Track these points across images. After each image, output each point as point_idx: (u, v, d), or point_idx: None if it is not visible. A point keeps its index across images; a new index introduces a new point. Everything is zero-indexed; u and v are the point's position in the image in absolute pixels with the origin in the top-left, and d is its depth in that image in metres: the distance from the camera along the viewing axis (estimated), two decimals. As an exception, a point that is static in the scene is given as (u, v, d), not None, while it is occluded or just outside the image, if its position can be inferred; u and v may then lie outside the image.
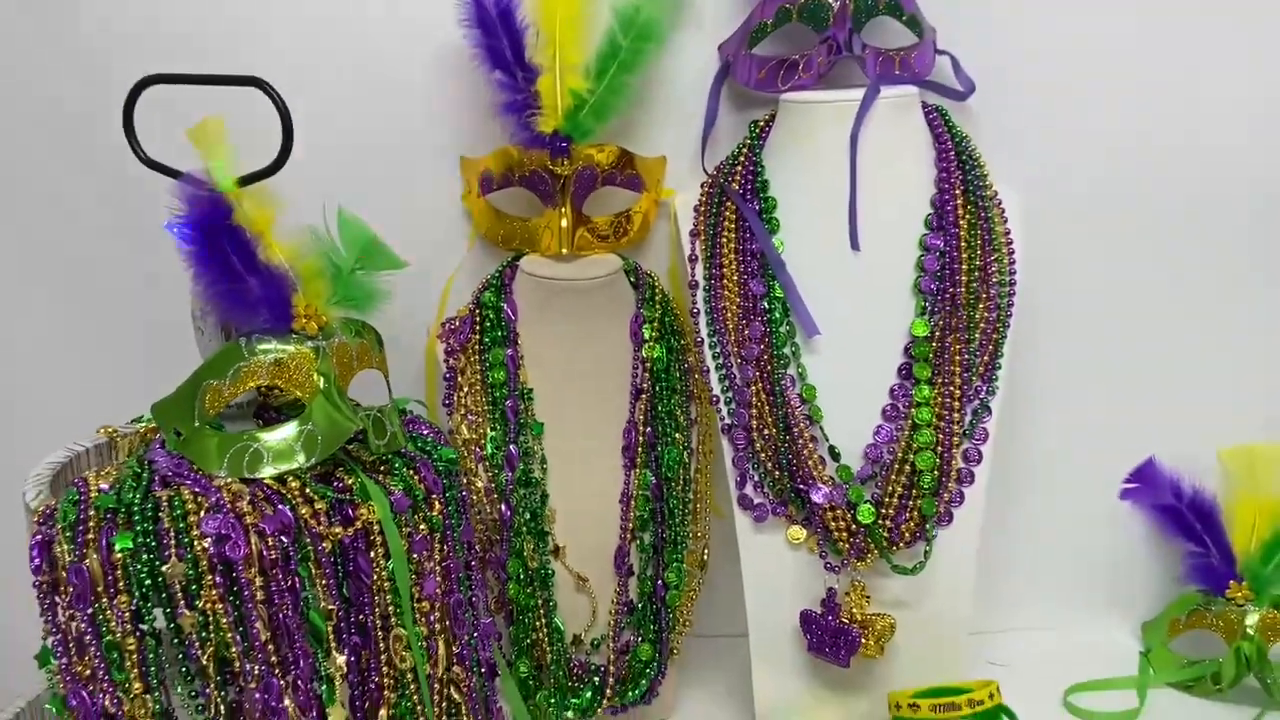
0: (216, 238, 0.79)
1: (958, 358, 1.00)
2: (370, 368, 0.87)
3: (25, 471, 0.86)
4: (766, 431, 1.01)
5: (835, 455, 1.00)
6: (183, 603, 0.73)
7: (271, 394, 0.88)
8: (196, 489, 0.76)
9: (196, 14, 1.10)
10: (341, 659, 0.77)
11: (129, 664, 0.73)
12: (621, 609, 1.06)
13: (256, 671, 0.74)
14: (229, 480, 0.77)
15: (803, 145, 1.03)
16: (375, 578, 0.78)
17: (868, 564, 0.99)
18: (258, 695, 0.74)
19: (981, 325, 1.01)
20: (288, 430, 0.79)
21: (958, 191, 1.02)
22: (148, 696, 0.74)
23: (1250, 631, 1.11)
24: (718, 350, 1.04)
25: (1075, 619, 1.26)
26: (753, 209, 1.04)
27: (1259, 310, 1.20)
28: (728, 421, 1.03)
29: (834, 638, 1.00)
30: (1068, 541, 1.25)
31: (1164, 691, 1.16)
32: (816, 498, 0.99)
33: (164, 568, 0.72)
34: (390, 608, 0.79)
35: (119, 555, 0.72)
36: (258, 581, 0.73)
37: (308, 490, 0.77)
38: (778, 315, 1.02)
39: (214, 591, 0.72)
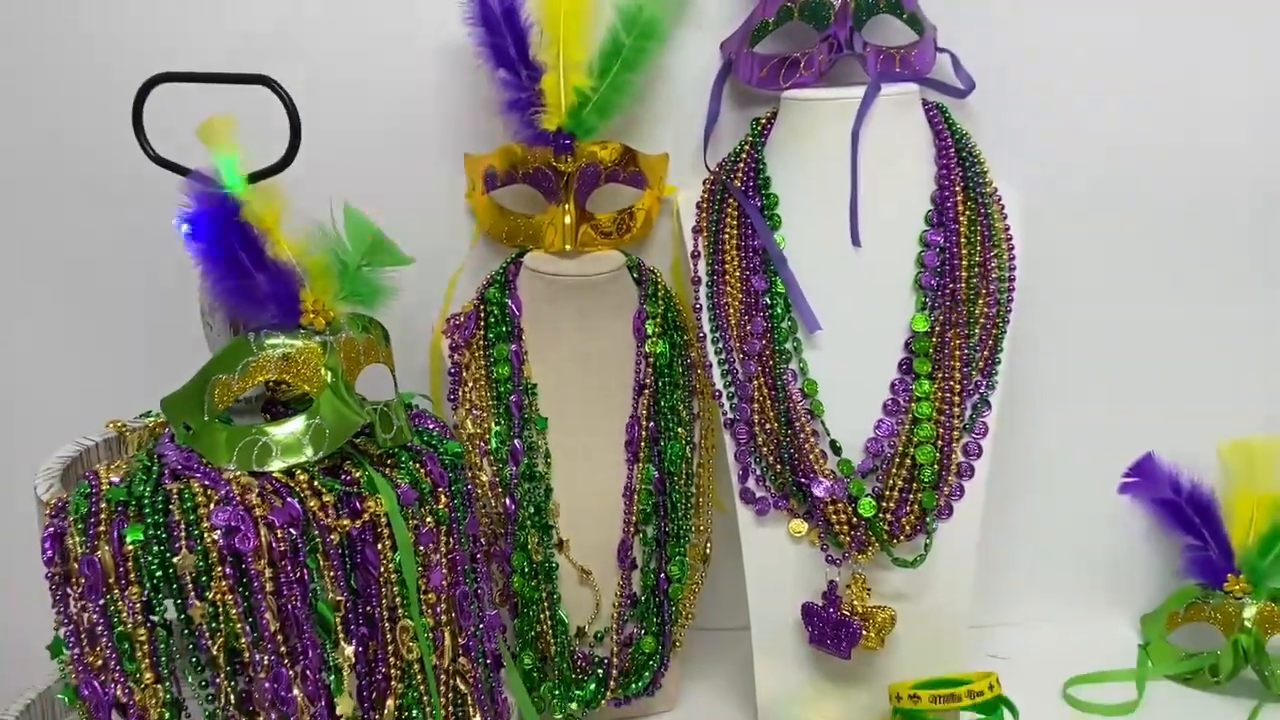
0: (225, 234, 0.80)
1: (958, 353, 1.00)
2: (377, 362, 0.88)
3: (29, 469, 0.87)
4: (768, 426, 1.02)
5: (836, 449, 1.01)
6: (193, 594, 0.73)
7: (279, 389, 0.89)
8: (206, 482, 0.76)
9: (201, 13, 1.10)
10: (349, 649, 0.78)
11: (140, 654, 0.74)
12: (625, 602, 1.07)
13: (266, 661, 0.74)
14: (238, 473, 0.78)
15: (804, 142, 1.04)
16: (383, 569, 0.79)
17: (868, 557, 1.00)
18: (267, 685, 0.75)
19: (981, 321, 1.02)
20: (296, 424, 0.80)
21: (958, 188, 1.03)
22: (159, 686, 0.75)
23: (1248, 624, 1.12)
24: (720, 345, 1.05)
25: (1074, 612, 1.27)
26: (754, 205, 1.04)
27: (1258, 306, 1.21)
28: (730, 416, 1.04)
29: (835, 630, 1.01)
30: (1067, 535, 1.26)
31: (1162, 684, 1.17)
32: (818, 491, 1.00)
33: (174, 559, 0.73)
34: (397, 599, 0.80)
35: (130, 547, 0.73)
36: (267, 573, 0.74)
37: (316, 483, 0.78)
38: (779, 311, 1.03)
39: (224, 583, 0.73)
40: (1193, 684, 1.16)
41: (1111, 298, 1.20)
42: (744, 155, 1.07)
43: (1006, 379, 1.03)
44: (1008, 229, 1.05)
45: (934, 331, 1.01)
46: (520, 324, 1.08)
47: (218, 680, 0.75)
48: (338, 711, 0.77)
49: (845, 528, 1.00)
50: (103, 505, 0.75)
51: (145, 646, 0.74)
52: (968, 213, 1.03)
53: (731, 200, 1.06)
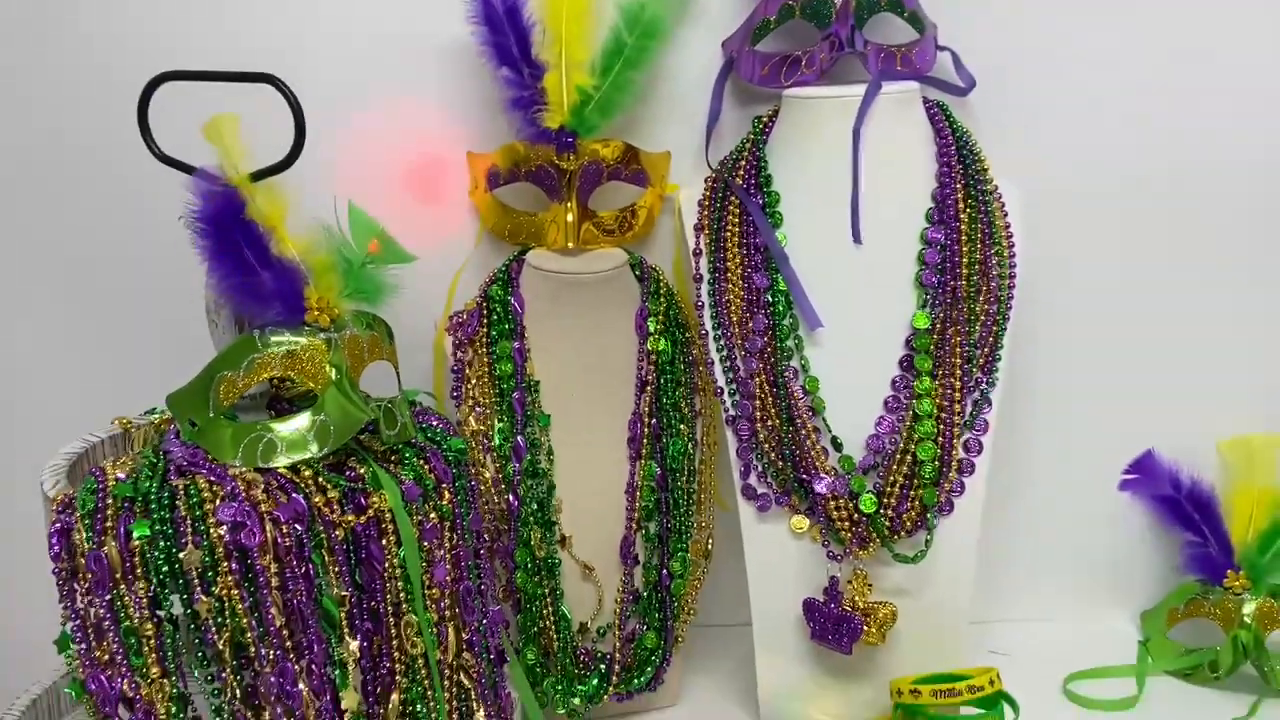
0: (230, 232, 0.81)
1: (958, 350, 1.01)
2: (381, 359, 0.88)
3: (34, 466, 0.87)
4: (770, 423, 1.02)
5: (838, 446, 1.01)
6: (199, 589, 0.74)
7: (284, 385, 0.89)
8: (212, 478, 0.77)
9: (204, 13, 1.11)
10: (354, 644, 0.78)
11: (147, 649, 0.74)
12: (627, 598, 1.07)
13: (271, 656, 0.75)
14: (243, 469, 0.78)
15: (806, 140, 1.04)
16: (387, 565, 0.79)
17: (870, 553, 1.01)
18: (273, 679, 0.75)
19: (982, 318, 1.02)
20: (301, 420, 0.80)
21: (958, 185, 1.03)
22: (165, 681, 0.75)
23: (1247, 620, 1.13)
24: (722, 343, 1.05)
25: (1075, 608, 1.27)
26: (756, 203, 1.05)
27: (1258, 303, 1.22)
28: (732, 413, 1.04)
29: (836, 625, 1.01)
30: (1067, 531, 1.26)
31: (1162, 679, 1.17)
32: (819, 488, 1.00)
33: (181, 555, 0.73)
34: (402, 594, 0.80)
35: (137, 542, 0.74)
36: (272, 568, 0.74)
37: (320, 479, 0.79)
38: (781, 308, 1.03)
39: (229, 578, 0.74)
40: (1192, 679, 1.17)
41: (1111, 295, 1.20)
42: (745, 153, 1.07)
43: (1007, 376, 1.03)
44: (1008, 226, 1.06)
45: (935, 328, 1.01)
46: (523, 321, 1.08)
47: (223, 674, 0.75)
48: (342, 706, 0.77)
49: (846, 524, 1.00)
50: (109, 501, 0.75)
51: (152, 641, 0.74)
52: (968, 210, 1.03)
53: (733, 198, 1.06)
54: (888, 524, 1.00)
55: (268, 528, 0.74)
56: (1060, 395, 1.22)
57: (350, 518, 0.78)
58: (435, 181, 1.15)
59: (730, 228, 1.06)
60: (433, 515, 0.82)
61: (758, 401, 1.03)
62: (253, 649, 0.75)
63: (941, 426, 1.00)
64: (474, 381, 1.08)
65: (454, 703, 0.84)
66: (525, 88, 1.05)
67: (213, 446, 0.80)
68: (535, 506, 1.05)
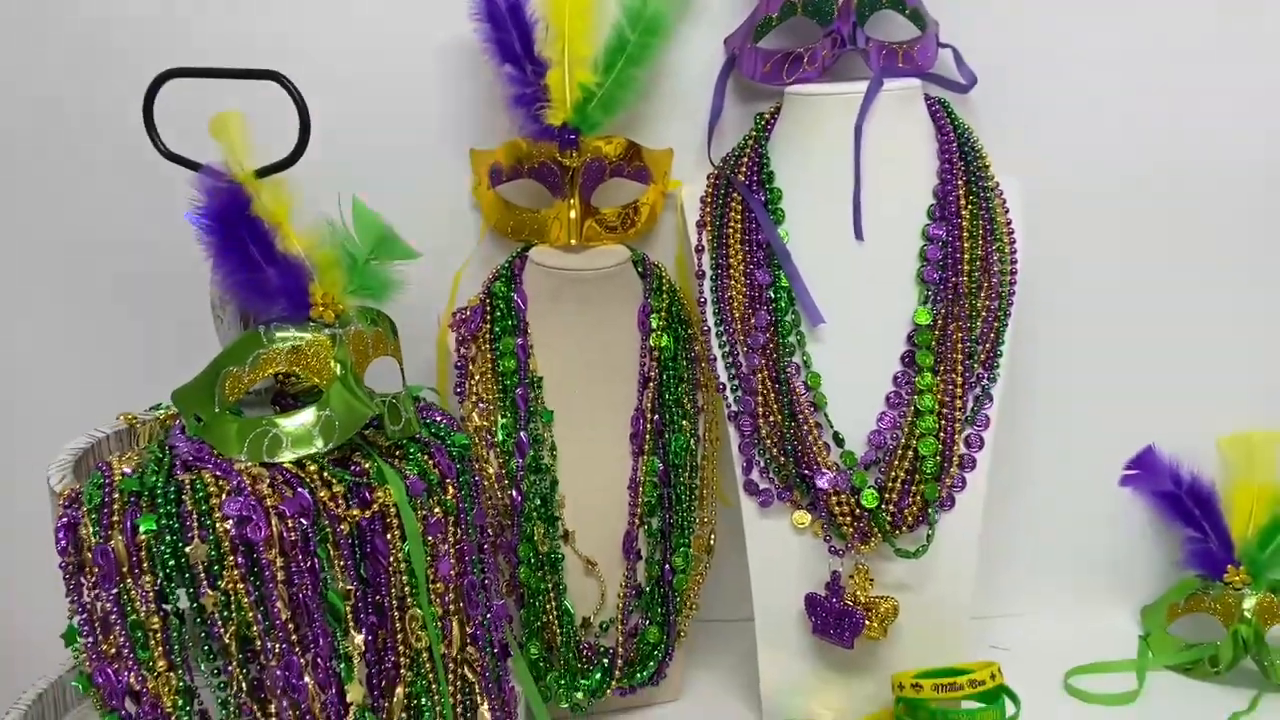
0: (235, 228, 0.81)
1: (960, 345, 1.01)
2: (385, 355, 0.89)
3: (40, 462, 0.88)
4: (772, 418, 1.03)
5: (839, 441, 1.02)
6: (205, 583, 0.74)
7: (288, 381, 0.90)
8: (218, 472, 0.77)
9: (208, 10, 1.11)
10: (359, 638, 0.79)
11: (153, 642, 0.75)
12: (630, 593, 1.08)
13: (277, 649, 0.75)
14: (249, 464, 0.79)
15: (808, 137, 1.05)
16: (392, 559, 0.80)
17: (871, 548, 1.01)
18: (278, 673, 0.75)
19: (983, 314, 1.03)
20: (306, 416, 0.81)
21: (960, 182, 1.04)
22: (171, 674, 0.76)
23: (1247, 615, 1.13)
24: (724, 339, 1.06)
25: (1075, 603, 1.28)
26: (758, 200, 1.05)
27: (1258, 300, 1.22)
28: (734, 409, 1.05)
29: (838, 620, 1.01)
30: (1068, 527, 1.27)
31: (1163, 674, 1.18)
32: (821, 483, 1.01)
33: (187, 549, 0.74)
34: (406, 588, 0.81)
35: (143, 537, 0.74)
36: (278, 562, 0.75)
37: (326, 474, 0.79)
38: (783, 304, 1.03)
39: (235, 572, 0.74)
40: (1193, 674, 1.17)
41: (1112, 291, 1.21)
42: (748, 150, 1.08)
43: (1008, 372, 1.04)
44: (1009, 223, 1.06)
45: (936, 324, 1.02)
46: (526, 318, 1.08)
47: (230, 668, 0.76)
48: (348, 699, 0.78)
49: (848, 519, 1.01)
50: (116, 496, 0.76)
51: (158, 635, 0.75)
52: (970, 207, 1.03)
53: (735, 195, 1.07)
54: (889, 519, 1.00)
55: (273, 522, 0.75)
56: (1061, 391, 1.23)
57: (355, 512, 0.79)
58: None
59: (732, 224, 1.06)
60: (437, 510, 0.83)
61: (760, 397, 1.03)
62: (258, 642, 0.75)
63: (943, 422, 1.00)
64: (477, 377, 1.08)
65: (458, 696, 0.85)
66: (528, 85, 1.05)
67: (218, 441, 0.80)
68: (538, 502, 1.05)
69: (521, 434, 1.06)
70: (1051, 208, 1.14)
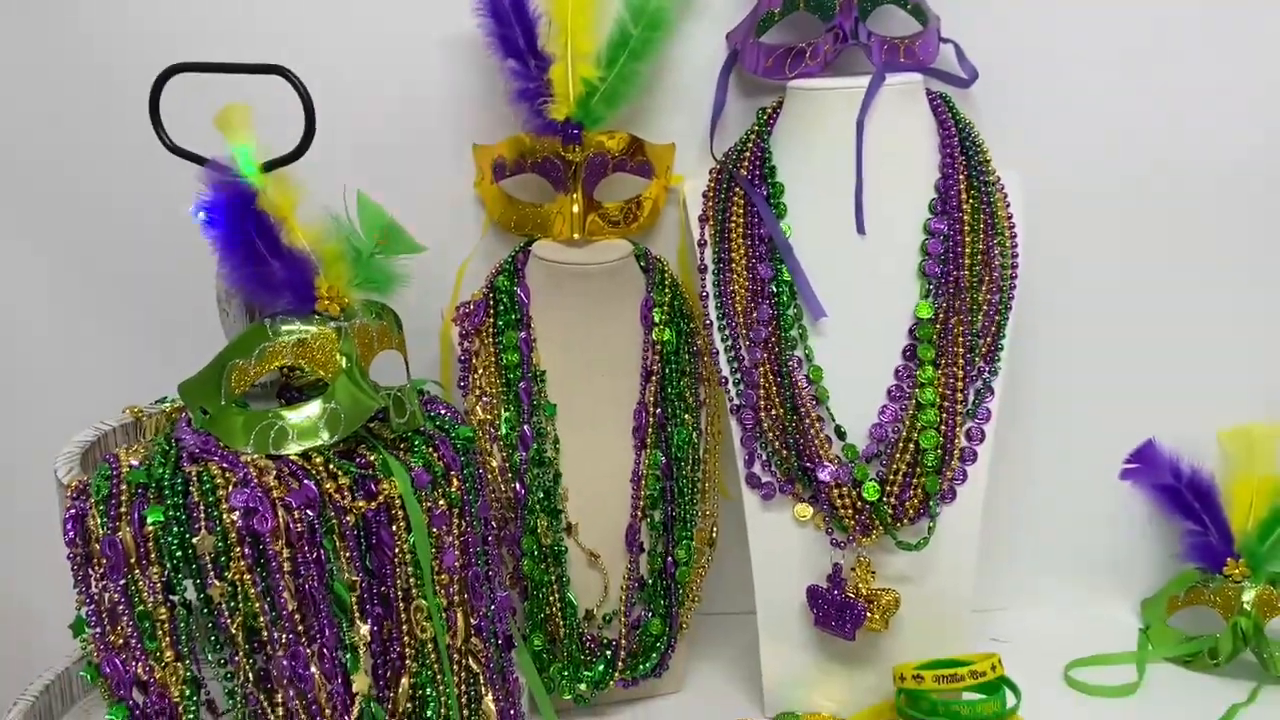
0: (241, 222, 0.81)
1: (961, 339, 1.02)
2: (390, 348, 0.89)
3: (46, 455, 0.88)
4: (774, 412, 1.03)
5: (841, 434, 1.02)
6: (212, 574, 0.75)
7: (293, 374, 0.90)
8: (224, 464, 0.78)
9: (212, 6, 1.11)
10: (365, 629, 0.79)
11: (160, 633, 0.76)
12: (633, 585, 1.08)
13: (284, 640, 0.76)
14: (255, 456, 0.79)
15: (810, 132, 1.05)
16: (397, 550, 0.80)
17: (873, 540, 1.02)
18: (285, 663, 0.76)
19: (984, 307, 1.03)
20: (312, 408, 0.81)
21: (961, 176, 1.04)
22: (179, 664, 0.76)
23: (1247, 607, 1.14)
24: (726, 333, 1.06)
25: (1076, 596, 1.28)
26: (760, 194, 1.06)
27: (1258, 294, 1.22)
28: (736, 402, 1.05)
29: (840, 612, 1.02)
30: (1068, 520, 1.27)
31: (1162, 666, 1.18)
32: (823, 476, 1.01)
33: (194, 540, 0.75)
34: (411, 580, 0.81)
35: (150, 528, 0.75)
36: (285, 553, 0.75)
37: (331, 466, 0.79)
38: (785, 298, 1.04)
39: (242, 563, 0.75)
40: (1192, 666, 1.18)
41: (1113, 285, 1.21)
42: (750, 144, 1.08)
43: (1009, 365, 1.04)
44: (1010, 217, 1.06)
45: (937, 318, 1.02)
46: (529, 312, 1.09)
47: (236, 658, 0.76)
48: (353, 689, 0.78)
49: (850, 511, 1.01)
50: (123, 487, 0.76)
51: (165, 625, 0.76)
52: (971, 201, 1.04)
53: (738, 189, 1.07)
54: (890, 512, 1.01)
55: (280, 513, 0.75)
56: (1062, 384, 1.23)
57: (361, 504, 0.79)
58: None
59: (735, 219, 1.07)
60: (442, 502, 0.83)
61: (762, 391, 1.04)
62: (265, 633, 0.76)
63: (944, 415, 1.01)
64: (480, 371, 1.08)
65: (463, 687, 0.86)
66: (531, 79, 1.06)
67: (225, 434, 0.81)
68: (541, 495, 1.06)
69: (525, 427, 1.07)
70: (1052, 202, 1.14)
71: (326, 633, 0.77)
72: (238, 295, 0.86)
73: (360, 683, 0.79)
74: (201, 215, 0.82)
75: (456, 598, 0.84)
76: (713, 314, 1.07)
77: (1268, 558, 1.17)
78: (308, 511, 0.76)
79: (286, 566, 0.76)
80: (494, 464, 1.06)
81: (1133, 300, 1.22)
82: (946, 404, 1.01)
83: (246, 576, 0.75)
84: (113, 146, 1.13)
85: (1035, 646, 1.19)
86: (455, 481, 0.85)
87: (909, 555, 1.02)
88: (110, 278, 1.19)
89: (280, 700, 0.77)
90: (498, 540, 1.06)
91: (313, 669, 0.77)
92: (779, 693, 1.09)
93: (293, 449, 0.80)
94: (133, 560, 0.75)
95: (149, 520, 0.75)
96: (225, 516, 0.75)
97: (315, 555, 0.77)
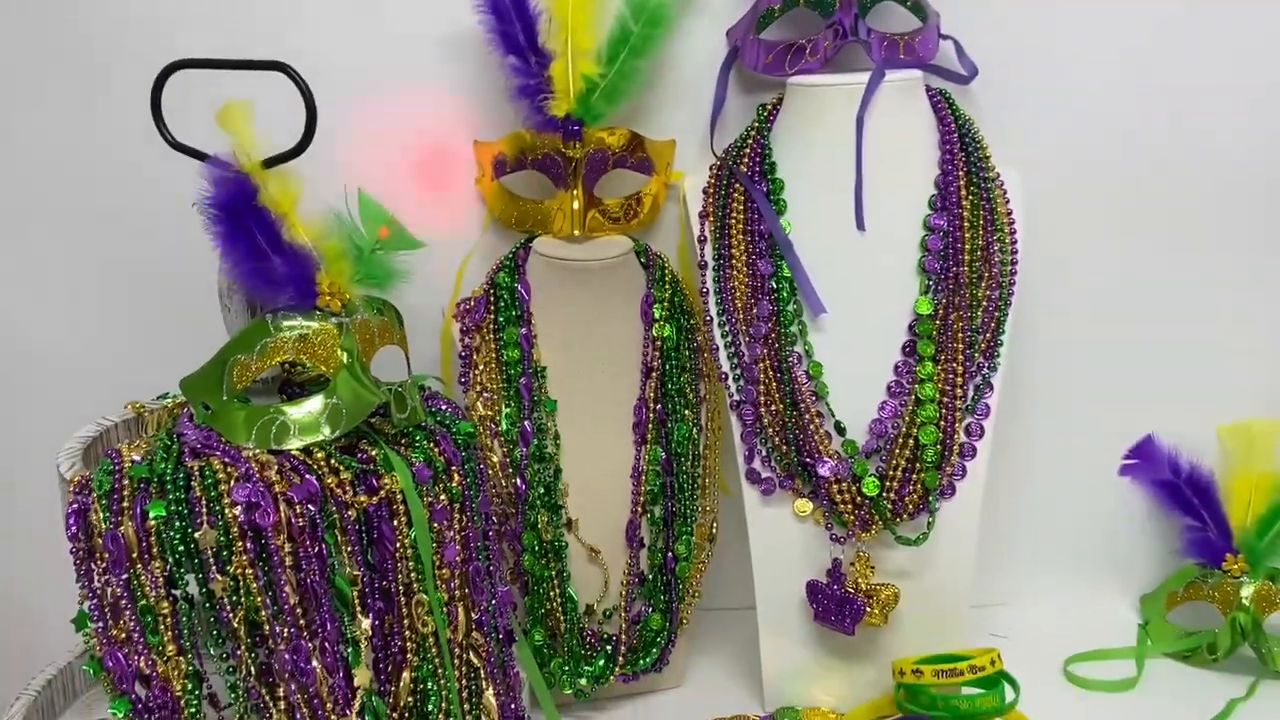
0: (243, 218, 0.82)
1: (960, 335, 1.02)
2: (391, 344, 0.90)
3: (48, 451, 0.89)
4: (774, 407, 1.04)
5: (841, 430, 1.03)
6: (214, 568, 0.75)
7: (294, 370, 0.91)
8: (226, 459, 0.78)
9: (215, 2, 1.12)
10: (366, 623, 0.80)
11: (163, 627, 0.76)
12: (633, 580, 1.09)
13: (285, 634, 0.76)
14: (257, 451, 0.80)
15: (809, 128, 1.05)
16: (398, 545, 0.81)
17: (872, 535, 1.02)
18: (286, 656, 0.76)
19: (984, 303, 1.03)
20: (313, 404, 0.81)
21: (961, 173, 1.04)
22: (181, 658, 0.76)
23: (1245, 603, 1.14)
24: (726, 329, 1.06)
25: (1075, 591, 1.29)
26: (760, 190, 1.06)
27: (1258, 290, 1.22)
28: (736, 398, 1.06)
29: (839, 606, 1.02)
30: (1068, 516, 1.27)
31: (1161, 661, 1.18)
32: (822, 471, 1.01)
33: (196, 535, 0.75)
34: (413, 574, 0.82)
35: (153, 523, 0.75)
36: (286, 548, 0.76)
37: (333, 461, 0.80)
38: (785, 294, 1.04)
39: (244, 557, 0.75)
40: (1191, 661, 1.18)
41: (1112, 281, 1.21)
42: (750, 141, 1.08)
43: (1008, 361, 1.04)
44: (1010, 213, 1.07)
45: (937, 314, 1.02)
46: (529, 308, 1.09)
47: (238, 652, 0.77)
48: (355, 683, 0.79)
49: (849, 507, 1.02)
50: (125, 482, 0.77)
51: (168, 619, 0.76)
52: (970, 197, 1.04)
53: (738, 185, 1.07)
54: (890, 507, 1.01)
55: (282, 508, 0.76)
56: (1061, 380, 1.23)
57: (362, 498, 0.80)
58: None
59: (735, 215, 1.07)
60: (443, 497, 0.84)
61: (762, 387, 1.04)
62: (267, 627, 0.76)
63: (943, 411, 1.01)
64: (481, 367, 1.09)
65: (464, 681, 0.86)
66: (532, 76, 1.06)
67: (226, 429, 0.81)
68: (542, 490, 1.06)
69: (525, 423, 1.07)
70: (1052, 198, 1.14)
71: (328, 627, 0.78)
72: (239, 291, 0.87)
73: (361, 677, 0.79)
74: (203, 211, 0.82)
75: (457, 592, 0.85)
76: (713, 310, 1.07)
77: (1266, 553, 1.17)
78: (309, 506, 0.77)
79: (288, 561, 0.76)
80: (495, 459, 1.06)
81: (1132, 296, 1.22)
82: (946, 400, 1.01)
83: (248, 571, 0.75)
84: (114, 143, 1.13)
85: (1034, 641, 1.19)
86: (456, 477, 0.85)
87: (908, 550, 1.02)
88: (112, 274, 1.19)
89: (282, 694, 0.77)
90: (498, 535, 1.06)
91: (314, 663, 0.77)
92: (779, 687, 1.09)
93: (294, 444, 0.80)
94: (135, 555, 0.75)
95: (151, 515, 0.75)
96: (227, 511, 0.75)
97: (317, 550, 0.77)
